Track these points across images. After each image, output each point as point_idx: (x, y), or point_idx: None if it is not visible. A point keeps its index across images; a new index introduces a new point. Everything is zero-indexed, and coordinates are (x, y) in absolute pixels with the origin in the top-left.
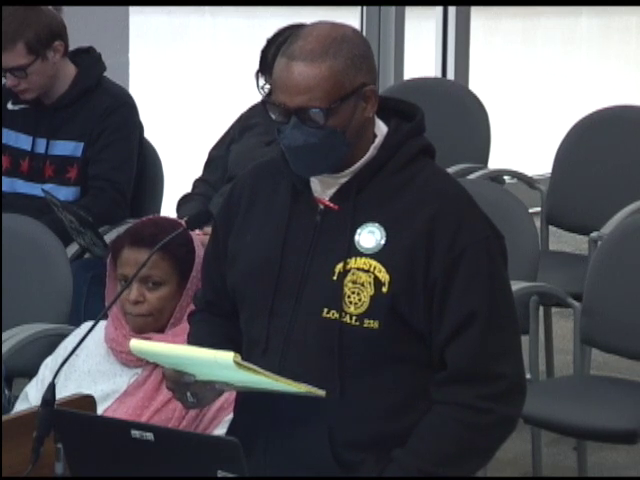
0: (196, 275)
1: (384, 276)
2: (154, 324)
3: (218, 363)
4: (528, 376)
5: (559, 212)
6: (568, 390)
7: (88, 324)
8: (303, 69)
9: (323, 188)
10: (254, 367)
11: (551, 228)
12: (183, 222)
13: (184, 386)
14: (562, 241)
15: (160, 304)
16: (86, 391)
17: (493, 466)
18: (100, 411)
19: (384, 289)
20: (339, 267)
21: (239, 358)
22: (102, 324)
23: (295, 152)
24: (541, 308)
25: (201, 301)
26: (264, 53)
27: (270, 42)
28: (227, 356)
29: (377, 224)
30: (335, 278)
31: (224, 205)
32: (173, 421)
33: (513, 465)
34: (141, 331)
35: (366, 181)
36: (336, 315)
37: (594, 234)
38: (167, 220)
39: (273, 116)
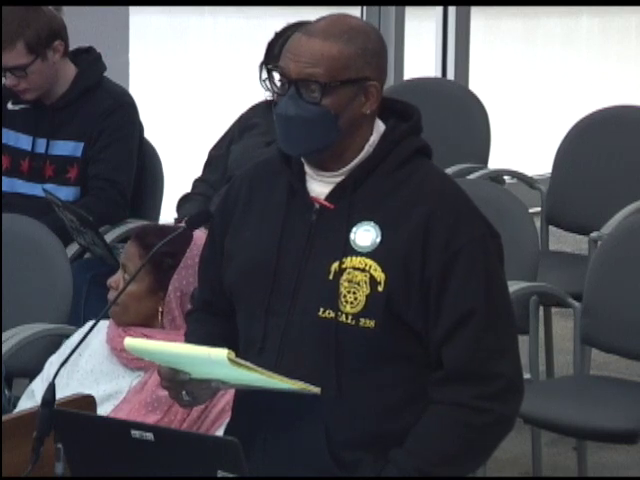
0: (173, 290)
1: (380, 275)
2: (121, 315)
3: (212, 360)
4: (528, 376)
5: (559, 212)
6: (568, 390)
7: (92, 323)
8: (314, 43)
9: (319, 187)
10: (248, 364)
11: (551, 228)
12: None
13: (179, 384)
14: (562, 241)
15: (125, 298)
16: (88, 391)
17: (493, 466)
18: (100, 413)
19: (380, 288)
20: (335, 266)
21: (233, 355)
22: (107, 324)
23: (285, 122)
24: (541, 308)
25: (198, 300)
26: (271, 45)
27: (278, 35)
28: (221, 353)
29: (373, 223)
30: (331, 277)
31: (221, 204)
32: (175, 424)
33: (513, 465)
34: (112, 318)
35: (362, 180)
36: (332, 314)
37: (594, 234)
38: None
39: (274, 88)
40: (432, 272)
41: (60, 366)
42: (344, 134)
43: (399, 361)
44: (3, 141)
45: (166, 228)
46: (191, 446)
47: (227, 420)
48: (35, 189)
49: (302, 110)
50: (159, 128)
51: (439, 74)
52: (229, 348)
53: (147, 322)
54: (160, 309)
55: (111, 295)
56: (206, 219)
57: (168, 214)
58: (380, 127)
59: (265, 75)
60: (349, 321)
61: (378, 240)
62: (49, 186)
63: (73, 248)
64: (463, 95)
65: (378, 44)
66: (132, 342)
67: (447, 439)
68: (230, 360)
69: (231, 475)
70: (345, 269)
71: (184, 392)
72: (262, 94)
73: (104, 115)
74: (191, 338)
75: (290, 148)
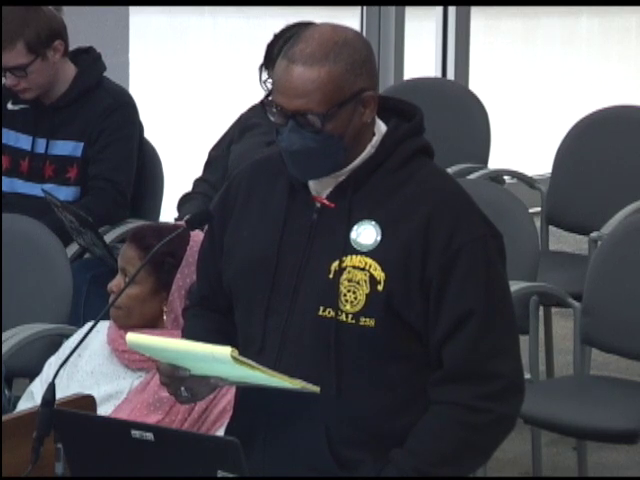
0: (177, 289)
1: (379, 274)
2: (125, 319)
3: (215, 358)
4: (528, 376)
5: (559, 212)
6: (568, 390)
7: (92, 324)
8: (302, 72)
9: (320, 186)
10: (250, 362)
11: (551, 228)
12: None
13: (178, 381)
14: (562, 241)
15: (128, 301)
16: (88, 392)
17: (493, 466)
18: (101, 413)
19: (379, 287)
20: (335, 265)
21: (236, 353)
22: (107, 325)
23: (292, 156)
24: (541, 308)
25: (196, 296)
26: (270, 47)
27: (277, 37)
28: (224, 351)
29: (373, 222)
30: (331, 276)
31: (220, 201)
32: (176, 424)
33: (513, 465)
34: (115, 322)
35: (363, 179)
36: (332, 313)
37: (594, 234)
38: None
39: (272, 118)
40: (432, 272)
41: (60, 367)
42: (351, 148)
43: (399, 360)
44: (3, 141)
45: (163, 228)
46: (191, 446)
47: (228, 420)
48: (35, 189)
49: (306, 140)
50: (159, 128)
51: (439, 74)
52: (227, 344)
53: (151, 324)
54: (164, 309)
55: (112, 297)
56: (206, 219)
57: (168, 214)
58: (381, 127)
59: (265, 76)
60: (349, 320)
61: (378, 239)
62: (48, 186)
63: (73, 248)
64: (463, 95)
65: (364, 51)
66: (134, 338)
67: (447, 439)
68: (233, 358)
69: (231, 475)
70: (345, 268)
71: (183, 388)
72: (262, 94)
73: (104, 115)
74: (189, 333)
75: (302, 176)
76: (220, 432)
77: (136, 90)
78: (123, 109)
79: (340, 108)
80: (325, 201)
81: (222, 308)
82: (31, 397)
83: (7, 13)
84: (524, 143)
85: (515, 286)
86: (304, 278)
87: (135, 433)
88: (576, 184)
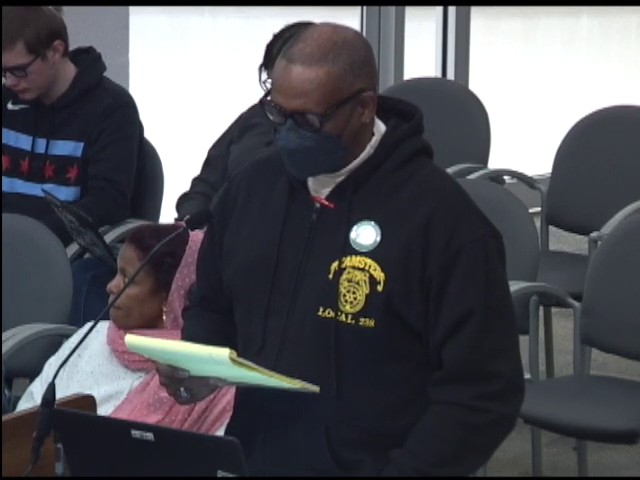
0: (176, 289)
1: (379, 275)
2: (124, 319)
3: (213, 359)
4: (528, 376)
5: (559, 212)
6: (568, 390)
7: (91, 324)
8: (301, 72)
9: (320, 186)
10: (249, 363)
11: (551, 228)
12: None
13: (178, 381)
14: (562, 241)
15: (127, 302)
16: (88, 392)
17: (493, 466)
18: (101, 414)
19: (379, 288)
20: (334, 265)
21: (234, 354)
22: (107, 325)
23: (289, 154)
24: (541, 308)
25: (196, 296)
26: (269, 47)
27: (277, 37)
28: (222, 352)
29: (373, 222)
30: (331, 277)
31: (220, 201)
32: (176, 424)
33: (513, 465)
34: (115, 322)
35: (362, 180)
36: (332, 314)
37: (594, 234)
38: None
39: (270, 116)
40: (432, 272)
41: (60, 367)
42: (349, 148)
43: (399, 361)
44: (3, 141)
45: (162, 228)
46: (191, 446)
47: (228, 420)
48: (35, 189)
49: (304, 139)
50: (159, 128)
51: (439, 74)
52: (226, 344)
53: (151, 324)
54: (164, 309)
55: (111, 297)
56: (206, 219)
57: (168, 214)
58: (381, 127)
59: (264, 76)
60: (349, 321)
61: (378, 240)
62: (49, 186)
63: (73, 248)
64: (463, 95)
65: (363, 51)
66: (132, 339)
67: (447, 439)
68: (232, 359)
69: (231, 475)
70: (345, 268)
71: (182, 389)
72: (262, 94)
73: (104, 115)
74: (188, 334)
75: (299, 174)
76: (220, 432)
77: (136, 90)
78: (123, 109)
79: (338, 108)
80: (324, 201)
81: (222, 308)
82: (31, 397)
83: (7, 13)
84: (524, 143)
85: (515, 286)
86: (304, 278)
87: (135, 433)
88: (576, 184)
